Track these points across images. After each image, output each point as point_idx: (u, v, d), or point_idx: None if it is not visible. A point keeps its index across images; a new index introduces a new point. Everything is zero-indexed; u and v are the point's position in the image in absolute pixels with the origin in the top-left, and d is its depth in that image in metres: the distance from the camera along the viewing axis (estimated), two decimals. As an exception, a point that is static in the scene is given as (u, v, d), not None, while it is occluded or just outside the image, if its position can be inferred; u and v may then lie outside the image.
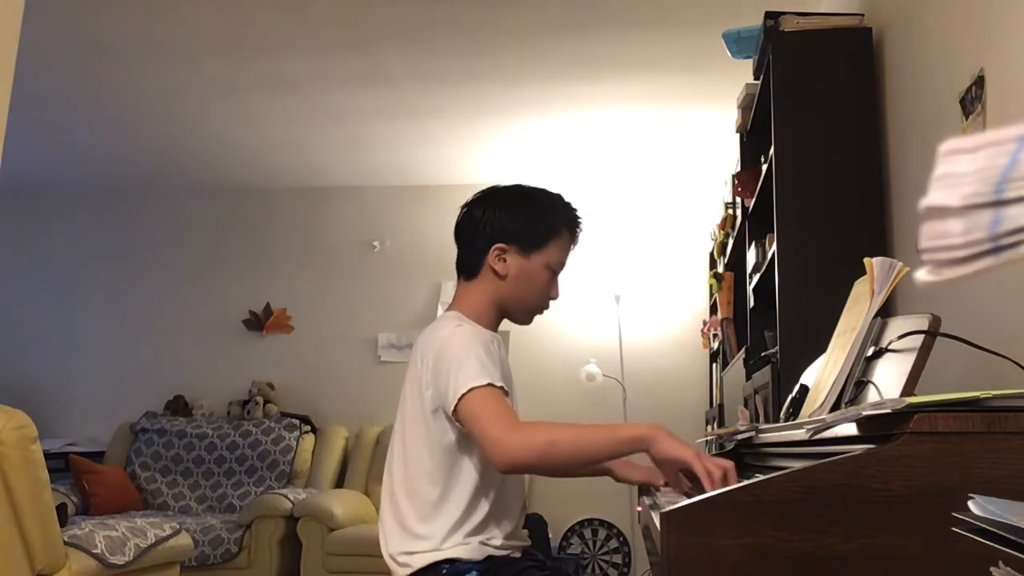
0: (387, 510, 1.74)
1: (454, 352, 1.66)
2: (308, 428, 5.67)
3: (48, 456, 2.65)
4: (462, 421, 1.63)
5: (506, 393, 1.64)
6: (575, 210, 1.88)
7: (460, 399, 1.60)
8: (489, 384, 1.60)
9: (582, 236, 1.89)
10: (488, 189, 1.89)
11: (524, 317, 1.87)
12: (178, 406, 5.90)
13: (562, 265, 1.85)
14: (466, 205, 1.87)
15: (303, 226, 6.17)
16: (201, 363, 6.05)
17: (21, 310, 6.22)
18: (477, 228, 1.83)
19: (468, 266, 1.85)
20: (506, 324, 1.88)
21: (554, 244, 1.82)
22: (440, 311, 5.96)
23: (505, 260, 1.80)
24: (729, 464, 1.48)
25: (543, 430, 1.60)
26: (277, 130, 5.16)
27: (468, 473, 1.70)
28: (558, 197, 1.88)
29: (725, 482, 1.42)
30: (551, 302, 1.87)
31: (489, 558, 1.67)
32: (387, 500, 1.75)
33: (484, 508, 1.69)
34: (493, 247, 1.80)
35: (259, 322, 6.07)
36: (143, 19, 3.83)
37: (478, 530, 1.68)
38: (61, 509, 2.76)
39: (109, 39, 4.02)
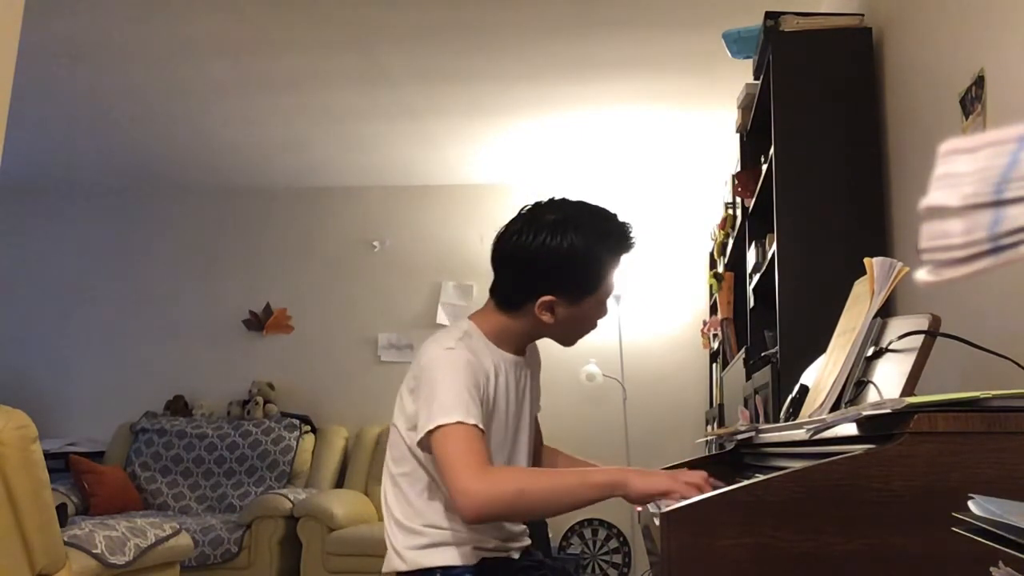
0: (384, 497, 1.72)
1: (434, 379, 1.57)
2: (308, 428, 5.67)
3: (48, 456, 2.65)
4: (432, 456, 1.56)
5: (481, 431, 1.53)
6: (630, 234, 1.73)
7: (429, 434, 1.52)
8: (459, 422, 1.50)
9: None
10: (532, 214, 1.69)
11: (567, 344, 1.81)
12: (178, 406, 5.90)
13: (613, 288, 1.74)
14: (511, 231, 1.69)
15: (303, 226, 6.17)
16: (201, 363, 6.04)
17: (21, 310, 6.22)
18: (519, 269, 1.67)
19: (506, 301, 1.71)
20: None
21: (606, 280, 1.70)
22: (440, 311, 6.08)
23: (552, 311, 1.68)
24: (702, 475, 1.47)
25: (512, 478, 1.54)
26: (277, 130, 5.16)
27: None
28: (612, 225, 1.71)
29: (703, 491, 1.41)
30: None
31: (483, 561, 1.65)
32: (384, 488, 1.72)
33: None
34: (540, 300, 1.66)
35: (259, 322, 6.07)
36: (143, 19, 3.83)
37: (468, 533, 1.64)
38: (61, 509, 2.76)
39: (109, 39, 4.02)
